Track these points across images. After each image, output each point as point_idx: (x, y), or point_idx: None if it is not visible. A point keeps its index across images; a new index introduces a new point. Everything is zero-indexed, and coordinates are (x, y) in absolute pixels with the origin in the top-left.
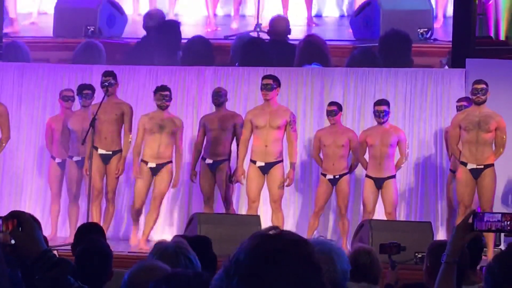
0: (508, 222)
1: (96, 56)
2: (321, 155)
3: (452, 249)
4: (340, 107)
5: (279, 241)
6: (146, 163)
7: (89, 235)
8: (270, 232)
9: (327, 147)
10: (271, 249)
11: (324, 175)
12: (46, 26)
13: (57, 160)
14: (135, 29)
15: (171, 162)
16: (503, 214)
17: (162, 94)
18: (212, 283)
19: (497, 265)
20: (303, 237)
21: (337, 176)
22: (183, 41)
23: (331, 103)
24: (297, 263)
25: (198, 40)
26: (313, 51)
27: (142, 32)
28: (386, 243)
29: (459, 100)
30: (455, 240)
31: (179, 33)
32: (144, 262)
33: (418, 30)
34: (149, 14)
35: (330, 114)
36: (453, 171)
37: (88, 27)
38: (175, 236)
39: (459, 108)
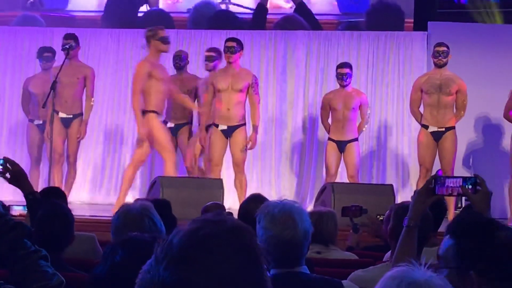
0: (469, 186)
1: None
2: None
3: (414, 213)
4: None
5: (217, 227)
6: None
7: (50, 199)
8: (212, 218)
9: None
10: (205, 235)
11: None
12: None
13: None
14: (82, 0)
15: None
16: (464, 178)
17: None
18: (141, 272)
19: (456, 226)
20: (245, 224)
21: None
22: (138, 14)
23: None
24: (233, 251)
25: (156, 14)
26: None
27: (90, 5)
28: (348, 206)
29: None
30: (416, 205)
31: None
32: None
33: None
34: None
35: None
36: None
37: None
38: (137, 199)
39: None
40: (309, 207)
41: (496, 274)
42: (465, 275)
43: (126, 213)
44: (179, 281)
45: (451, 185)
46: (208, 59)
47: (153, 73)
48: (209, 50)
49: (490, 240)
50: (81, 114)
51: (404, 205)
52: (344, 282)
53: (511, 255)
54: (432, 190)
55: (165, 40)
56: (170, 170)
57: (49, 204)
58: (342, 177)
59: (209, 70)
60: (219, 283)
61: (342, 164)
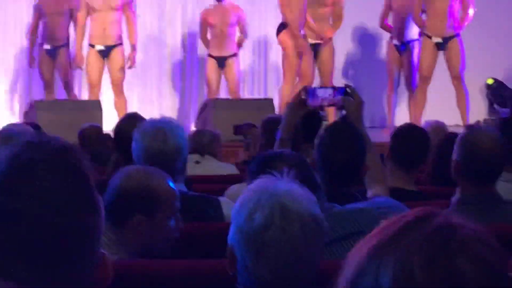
0: (340, 96)
1: None
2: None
3: (286, 126)
4: None
5: (40, 149)
6: None
7: None
8: (33, 140)
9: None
10: (29, 159)
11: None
12: None
13: None
14: None
15: None
16: (334, 88)
17: None
18: None
19: (327, 135)
20: (70, 144)
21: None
22: None
23: None
24: (60, 174)
25: None
26: None
27: None
28: (241, 124)
29: None
30: (288, 117)
31: None
32: None
33: None
34: None
35: None
36: None
37: None
38: (11, 124)
39: None
40: (192, 125)
41: None
42: None
43: (4, 137)
44: (4, 212)
45: (322, 96)
46: None
47: None
48: None
49: None
50: None
51: (272, 119)
52: (220, 198)
53: None
54: (303, 102)
55: None
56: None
57: None
58: (223, 93)
59: None
60: (49, 209)
61: (223, 80)
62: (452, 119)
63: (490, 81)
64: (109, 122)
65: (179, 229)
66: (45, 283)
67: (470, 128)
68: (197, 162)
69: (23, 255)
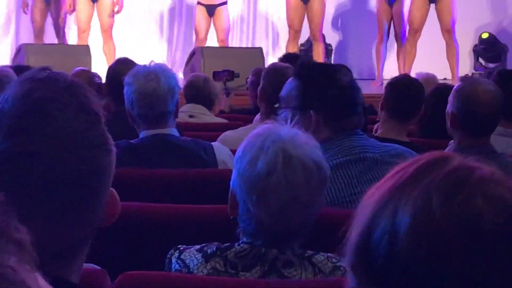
0: None
1: None
2: None
3: None
4: None
5: (50, 86)
6: None
7: None
8: (42, 76)
9: None
10: (41, 98)
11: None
12: None
13: None
14: None
15: None
16: None
17: None
18: None
19: None
20: (77, 81)
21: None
22: None
23: None
24: (73, 112)
25: None
26: None
27: None
28: (220, 71)
29: None
30: None
31: None
32: None
33: None
34: None
35: None
36: None
37: None
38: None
39: None
40: (180, 72)
41: (331, 112)
42: (304, 113)
43: None
44: (20, 154)
45: None
46: None
47: None
48: None
49: (331, 81)
50: None
51: (278, 66)
52: (213, 143)
53: (346, 96)
54: None
55: None
56: None
57: None
58: (212, 41)
59: None
60: (65, 149)
61: (212, 28)
62: (440, 73)
63: (484, 35)
64: (96, 67)
65: None
66: (60, 226)
67: (466, 80)
68: (191, 116)
69: (39, 198)
